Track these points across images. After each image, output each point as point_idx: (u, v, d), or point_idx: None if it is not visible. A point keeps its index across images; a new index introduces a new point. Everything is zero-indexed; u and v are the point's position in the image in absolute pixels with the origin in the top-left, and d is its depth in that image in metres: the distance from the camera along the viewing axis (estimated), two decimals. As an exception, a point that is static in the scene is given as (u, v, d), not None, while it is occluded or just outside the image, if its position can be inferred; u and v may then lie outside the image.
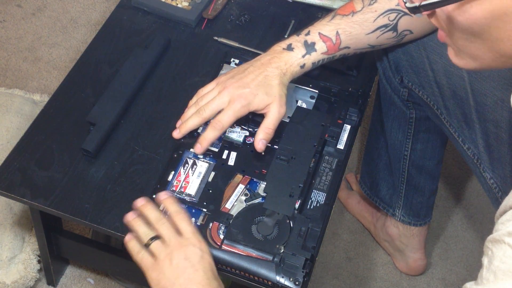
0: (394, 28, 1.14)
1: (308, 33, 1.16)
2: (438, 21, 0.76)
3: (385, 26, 1.14)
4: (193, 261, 0.96)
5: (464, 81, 1.14)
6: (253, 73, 1.14)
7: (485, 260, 0.74)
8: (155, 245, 0.98)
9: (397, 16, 1.13)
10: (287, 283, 1.03)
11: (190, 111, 1.18)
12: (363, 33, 1.14)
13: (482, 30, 0.71)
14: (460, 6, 0.70)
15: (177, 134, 1.18)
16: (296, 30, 1.19)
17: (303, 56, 1.15)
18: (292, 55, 1.15)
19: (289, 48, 1.16)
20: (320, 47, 1.15)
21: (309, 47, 1.15)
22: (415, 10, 0.73)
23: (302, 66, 1.16)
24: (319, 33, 1.15)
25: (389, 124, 1.36)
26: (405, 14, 1.12)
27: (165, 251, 0.97)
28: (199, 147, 1.15)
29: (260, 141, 1.14)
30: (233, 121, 1.14)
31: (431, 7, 0.72)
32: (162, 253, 0.97)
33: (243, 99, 1.12)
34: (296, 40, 1.16)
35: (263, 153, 1.17)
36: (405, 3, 0.75)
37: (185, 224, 1.00)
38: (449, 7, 0.71)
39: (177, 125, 1.19)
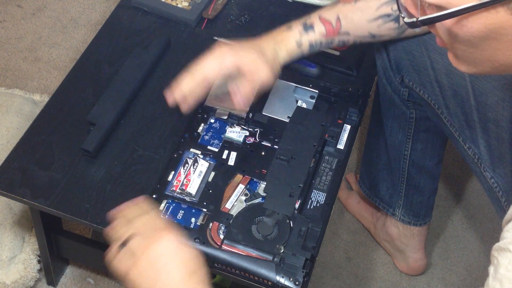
0: (397, 19, 1.13)
1: (309, 17, 1.16)
2: (437, 31, 0.76)
3: (388, 16, 1.13)
4: (161, 265, 0.86)
5: (465, 80, 1.14)
6: (247, 42, 1.13)
7: (491, 269, 0.74)
8: (121, 258, 0.88)
9: None
10: (287, 283, 1.03)
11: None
12: (364, 19, 1.14)
13: (480, 41, 0.72)
14: (458, 21, 0.71)
15: (174, 94, 1.09)
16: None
17: (301, 35, 1.15)
18: (289, 33, 1.15)
19: (288, 28, 1.16)
20: (319, 29, 1.15)
21: (308, 27, 1.15)
22: (413, 24, 0.74)
23: (299, 44, 1.15)
24: (319, 16, 1.15)
25: (389, 124, 1.36)
26: None
27: (131, 261, 0.87)
28: (171, 95, 1.09)
29: (243, 102, 1.10)
30: (218, 67, 1.08)
31: (428, 22, 0.73)
32: (130, 264, 0.87)
33: (233, 52, 1.09)
34: (296, 22, 1.16)
35: (263, 153, 1.17)
36: (403, 18, 0.75)
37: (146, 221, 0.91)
38: (447, 21, 0.72)
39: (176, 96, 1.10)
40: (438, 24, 0.74)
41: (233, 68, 1.08)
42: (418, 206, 1.47)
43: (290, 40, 1.14)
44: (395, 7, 1.12)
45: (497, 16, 0.69)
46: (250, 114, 1.22)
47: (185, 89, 1.08)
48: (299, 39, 1.14)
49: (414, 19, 0.73)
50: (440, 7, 0.70)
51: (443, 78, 1.18)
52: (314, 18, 1.15)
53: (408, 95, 1.27)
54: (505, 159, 1.13)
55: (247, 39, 1.15)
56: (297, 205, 1.10)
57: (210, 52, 1.10)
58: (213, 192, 1.12)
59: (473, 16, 0.70)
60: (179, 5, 1.42)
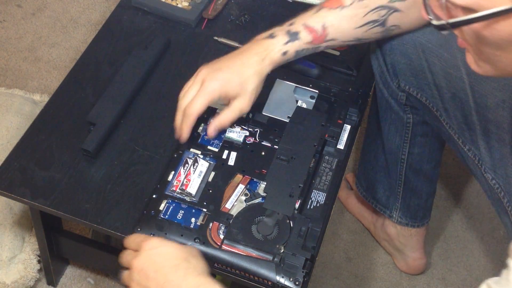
0: (383, 24, 1.13)
1: (292, 24, 1.12)
2: (463, 34, 0.75)
3: (374, 21, 1.12)
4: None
5: (464, 83, 1.14)
6: (229, 59, 1.11)
7: (510, 262, 0.75)
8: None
9: (387, 12, 1.11)
10: (287, 283, 1.03)
11: (177, 112, 1.15)
12: (351, 27, 1.12)
13: (508, 44, 0.71)
14: (488, 24, 0.70)
15: (182, 139, 1.14)
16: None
17: (286, 43, 1.11)
18: (273, 42, 1.11)
19: (271, 36, 1.12)
20: (304, 37, 1.12)
21: (292, 35, 1.11)
22: (442, 27, 0.73)
23: (284, 53, 1.11)
24: (304, 24, 1.11)
25: (386, 128, 1.35)
26: (396, 11, 1.11)
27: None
28: (181, 136, 1.13)
29: (214, 131, 1.13)
30: (206, 104, 1.10)
31: (457, 25, 0.71)
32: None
33: (215, 80, 1.08)
34: (279, 30, 1.12)
35: (263, 153, 1.17)
36: (431, 19, 0.74)
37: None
38: (476, 24, 0.70)
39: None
40: (465, 27, 0.73)
41: (218, 97, 1.10)
42: (416, 209, 1.47)
43: (275, 51, 1.11)
44: (382, 13, 1.11)
45: None
46: (250, 114, 1.22)
47: (187, 132, 1.13)
48: (284, 49, 1.11)
49: (443, 22, 0.72)
50: (469, 10, 0.69)
51: (441, 81, 1.18)
52: (298, 25, 1.12)
53: (406, 99, 1.27)
54: (506, 160, 1.12)
55: (247, 38, 1.15)
56: (297, 205, 1.10)
57: (195, 82, 1.10)
58: (213, 192, 1.12)
59: (505, 19, 0.68)
60: (179, 5, 1.42)
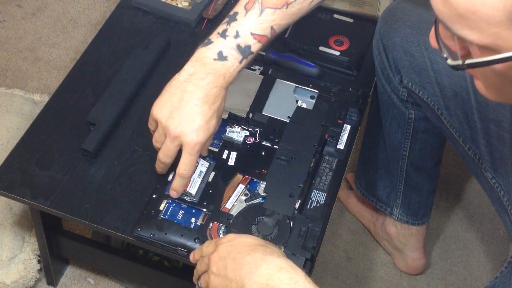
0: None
1: (237, 35, 1.05)
2: (478, 70, 0.73)
3: (317, 4, 1.09)
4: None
5: (466, 81, 1.14)
6: (192, 103, 1.03)
7: None
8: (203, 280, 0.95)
9: None
10: (287, 283, 1.03)
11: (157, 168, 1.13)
12: (297, 19, 1.09)
13: None
14: (510, 64, 0.67)
15: (175, 194, 1.11)
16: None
17: (241, 62, 1.05)
18: (228, 65, 1.04)
19: (221, 57, 1.04)
20: (257, 47, 1.06)
21: (245, 51, 1.05)
22: (458, 68, 0.70)
23: (240, 70, 1.07)
24: (253, 34, 1.05)
25: (388, 124, 1.36)
26: None
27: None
28: (175, 194, 1.10)
29: (207, 152, 1.15)
30: (195, 163, 1.07)
31: (476, 66, 0.68)
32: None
33: (198, 137, 1.04)
34: (226, 46, 1.04)
35: (263, 153, 1.17)
36: (446, 59, 0.71)
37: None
38: (499, 65, 0.67)
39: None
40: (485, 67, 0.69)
41: None
42: (416, 206, 1.47)
43: (234, 74, 1.05)
44: None
45: None
46: (250, 114, 1.22)
47: (182, 190, 1.11)
48: (240, 67, 1.05)
49: (460, 63, 0.69)
50: (489, 49, 0.66)
51: (444, 79, 1.18)
52: (247, 37, 1.05)
53: (407, 95, 1.27)
54: (506, 159, 1.13)
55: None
56: (297, 205, 1.10)
57: (171, 140, 1.04)
58: (213, 192, 1.12)
59: None
60: (179, 5, 1.42)
